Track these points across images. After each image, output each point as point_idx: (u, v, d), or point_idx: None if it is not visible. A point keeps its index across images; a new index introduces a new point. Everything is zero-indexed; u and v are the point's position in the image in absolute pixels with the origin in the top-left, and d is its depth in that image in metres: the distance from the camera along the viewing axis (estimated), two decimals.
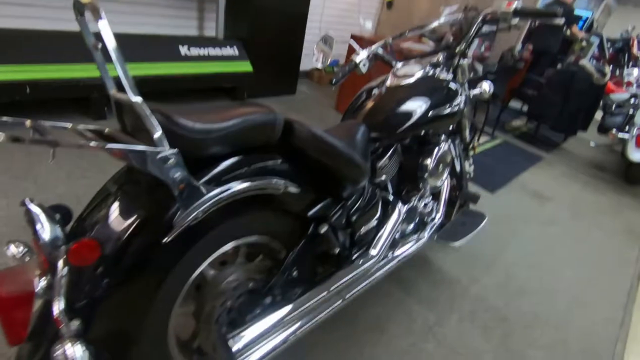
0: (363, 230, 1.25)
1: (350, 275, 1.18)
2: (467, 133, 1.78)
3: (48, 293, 0.68)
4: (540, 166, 3.64)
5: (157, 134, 0.65)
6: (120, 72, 0.61)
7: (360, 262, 1.23)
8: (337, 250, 1.14)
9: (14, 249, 0.74)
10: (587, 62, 3.87)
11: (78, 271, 0.69)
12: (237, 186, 0.79)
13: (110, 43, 0.60)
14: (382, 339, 1.44)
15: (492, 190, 2.86)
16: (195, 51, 2.93)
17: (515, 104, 4.98)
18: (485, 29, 1.49)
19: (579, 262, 2.21)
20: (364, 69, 1.46)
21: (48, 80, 2.22)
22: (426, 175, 1.40)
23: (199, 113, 0.78)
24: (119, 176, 0.82)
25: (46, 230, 0.66)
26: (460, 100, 1.42)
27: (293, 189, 0.92)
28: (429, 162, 1.39)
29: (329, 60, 1.46)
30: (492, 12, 1.41)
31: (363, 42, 1.84)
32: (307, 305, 1.06)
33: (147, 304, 0.80)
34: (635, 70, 4.22)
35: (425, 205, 1.55)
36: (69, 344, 0.64)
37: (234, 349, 0.89)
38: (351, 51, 1.46)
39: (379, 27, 5.26)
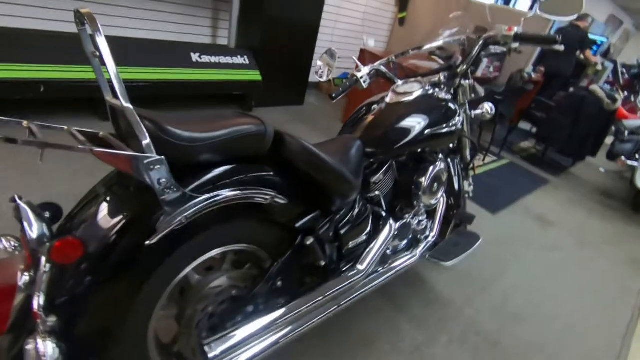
0: (352, 244, 1.25)
1: (336, 289, 1.18)
2: (467, 152, 1.78)
3: (30, 288, 0.70)
4: (546, 190, 3.59)
5: (145, 141, 0.67)
6: (113, 79, 0.64)
7: (348, 275, 1.23)
8: (323, 263, 1.14)
9: (5, 243, 0.76)
10: (597, 87, 3.84)
11: (60, 268, 0.71)
12: (223, 194, 0.81)
13: (106, 52, 0.64)
14: (371, 353, 1.42)
15: (494, 211, 2.82)
16: (206, 58, 3.00)
17: (525, 125, 4.94)
18: (496, 49, 1.51)
19: (580, 290, 2.16)
20: (364, 84, 1.49)
21: (61, 80, 2.30)
22: (420, 192, 1.40)
23: (192, 121, 0.80)
24: (109, 178, 0.84)
25: (33, 226, 0.69)
26: (458, 120, 1.43)
27: (281, 200, 0.93)
28: (424, 179, 1.39)
29: (331, 74, 1.49)
30: (493, 36, 1.43)
31: (374, 57, 1.87)
32: (290, 315, 1.06)
33: (127, 304, 0.81)
34: None
35: (419, 222, 1.55)
36: (41, 340, 0.66)
37: (211, 355, 0.90)
38: (357, 67, 1.50)
39: (390, 43, 5.31)
